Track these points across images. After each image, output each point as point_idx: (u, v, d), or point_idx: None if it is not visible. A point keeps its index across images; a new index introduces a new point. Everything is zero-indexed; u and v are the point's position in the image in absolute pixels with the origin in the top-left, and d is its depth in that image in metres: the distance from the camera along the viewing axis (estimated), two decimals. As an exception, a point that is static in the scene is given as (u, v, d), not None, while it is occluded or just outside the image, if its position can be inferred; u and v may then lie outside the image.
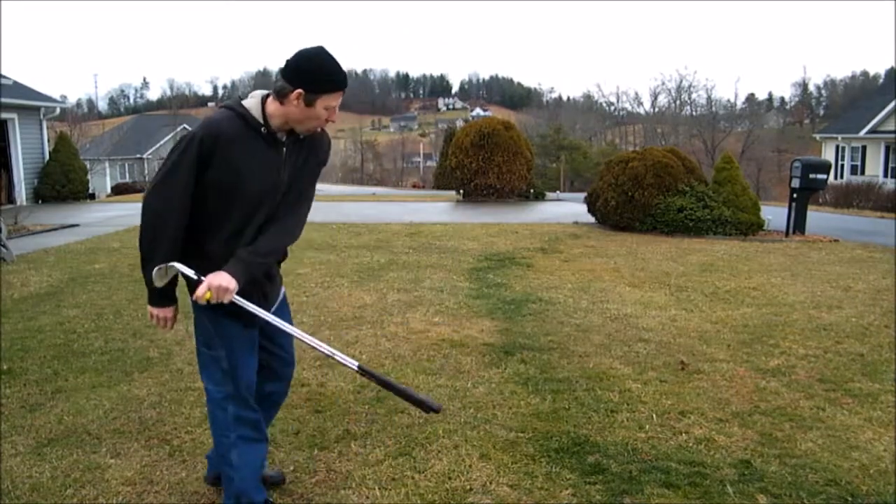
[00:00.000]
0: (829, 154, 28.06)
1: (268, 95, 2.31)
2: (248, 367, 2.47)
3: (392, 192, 32.48)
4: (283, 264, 2.66)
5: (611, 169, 12.03)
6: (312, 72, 2.22)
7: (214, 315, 2.35)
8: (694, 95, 64.18)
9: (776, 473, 2.96)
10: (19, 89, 17.84)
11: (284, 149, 2.34)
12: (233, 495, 2.45)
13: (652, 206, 11.12)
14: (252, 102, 2.30)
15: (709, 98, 62.08)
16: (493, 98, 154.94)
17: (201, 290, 2.23)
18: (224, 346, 2.40)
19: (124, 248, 9.29)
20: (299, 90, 2.21)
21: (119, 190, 32.85)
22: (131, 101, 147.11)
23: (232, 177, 2.26)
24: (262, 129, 2.29)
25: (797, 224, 11.16)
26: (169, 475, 2.93)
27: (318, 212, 15.36)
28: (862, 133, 26.55)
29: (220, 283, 2.24)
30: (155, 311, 2.41)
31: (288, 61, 2.25)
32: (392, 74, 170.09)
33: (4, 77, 17.08)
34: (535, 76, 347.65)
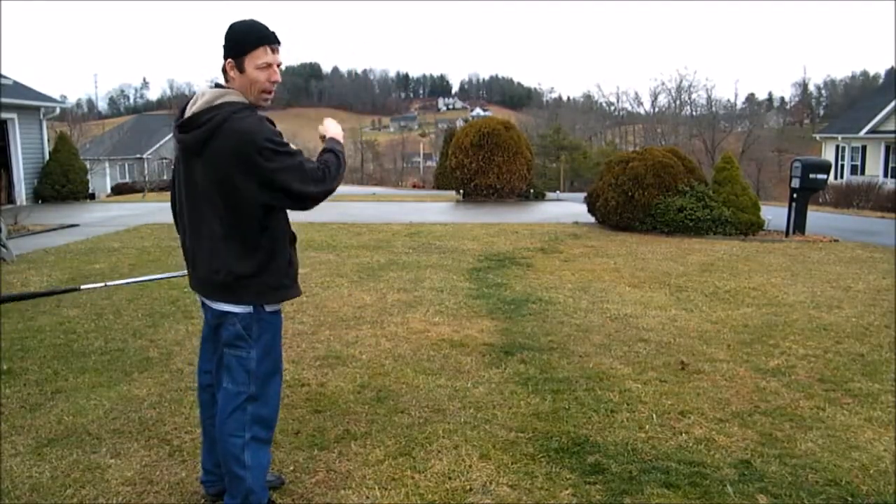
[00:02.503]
0: (829, 154, 28.07)
1: (219, 85, 2.37)
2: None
3: (392, 192, 32.48)
4: None
5: (611, 169, 12.03)
6: (230, 39, 2.31)
7: (261, 312, 2.40)
8: (694, 95, 64.28)
9: (776, 473, 2.96)
10: (19, 89, 17.84)
11: None
12: (242, 494, 2.45)
13: (652, 206, 11.12)
14: (236, 94, 2.32)
15: (709, 98, 62.16)
16: (493, 98, 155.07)
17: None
18: (259, 344, 2.42)
19: (124, 247, 9.29)
20: (229, 61, 2.31)
21: (119, 190, 32.86)
22: (131, 101, 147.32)
23: None
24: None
25: (797, 224, 11.16)
26: (169, 475, 2.93)
27: (318, 211, 15.38)
28: (862, 133, 26.56)
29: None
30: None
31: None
32: (392, 74, 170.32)
33: (4, 77, 17.08)
34: (535, 76, 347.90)
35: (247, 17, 2.37)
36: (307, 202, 2.31)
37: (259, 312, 2.41)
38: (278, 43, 2.34)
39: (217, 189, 2.30)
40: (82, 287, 2.82)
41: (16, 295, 2.92)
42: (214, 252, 2.37)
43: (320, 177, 2.31)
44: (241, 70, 2.31)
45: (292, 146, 2.30)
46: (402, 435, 3.31)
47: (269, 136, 2.23)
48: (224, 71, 2.35)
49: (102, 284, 2.84)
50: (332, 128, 2.56)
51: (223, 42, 2.33)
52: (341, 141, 2.54)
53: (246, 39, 2.30)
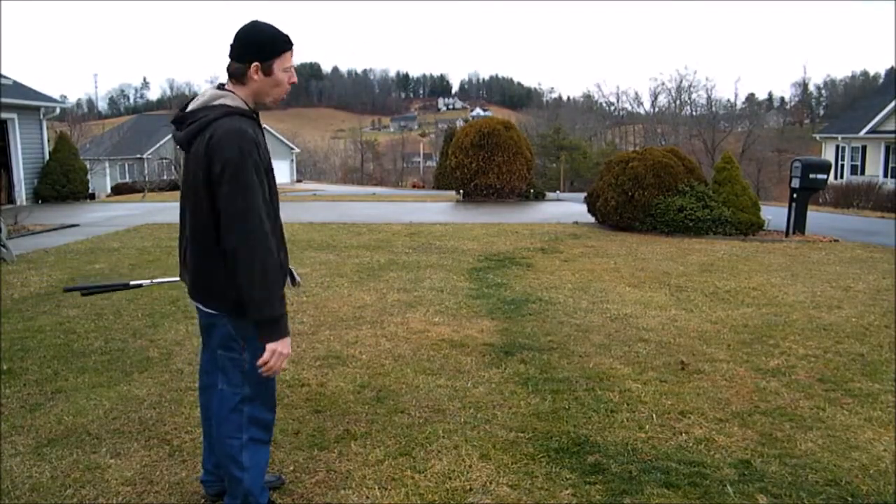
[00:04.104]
0: (829, 154, 28.07)
1: (222, 86, 2.35)
2: None
3: (392, 192, 32.48)
4: None
5: (611, 169, 12.03)
6: (259, 42, 2.29)
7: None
8: (694, 95, 64.48)
9: (776, 473, 2.96)
10: (19, 89, 17.84)
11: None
12: (241, 495, 2.45)
13: (652, 206, 11.12)
14: (231, 98, 2.31)
15: (709, 98, 62.32)
16: (493, 98, 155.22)
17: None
18: (251, 347, 2.40)
19: (124, 248, 9.29)
20: (255, 63, 2.28)
21: (119, 190, 32.89)
22: (131, 101, 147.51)
23: (271, 177, 2.34)
24: (256, 116, 2.38)
25: (797, 224, 11.16)
26: (169, 475, 2.93)
27: (318, 212, 15.32)
28: (862, 133, 26.55)
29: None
30: (285, 346, 2.27)
31: (232, 44, 2.31)
32: (392, 74, 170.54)
33: (4, 77, 17.08)
34: (535, 76, 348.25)
35: (251, 21, 2.35)
36: (228, 237, 2.18)
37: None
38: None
39: (196, 188, 2.29)
40: (131, 283, 2.91)
41: (90, 287, 3.01)
42: (195, 252, 2.37)
43: (256, 231, 2.17)
44: (267, 73, 2.29)
45: (253, 177, 2.18)
46: (402, 435, 3.31)
47: (243, 149, 2.17)
48: (233, 72, 2.31)
49: (149, 282, 2.90)
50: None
51: (244, 44, 2.29)
52: (279, 343, 2.26)
53: (277, 41, 2.29)
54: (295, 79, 2.39)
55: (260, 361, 2.26)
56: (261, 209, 2.20)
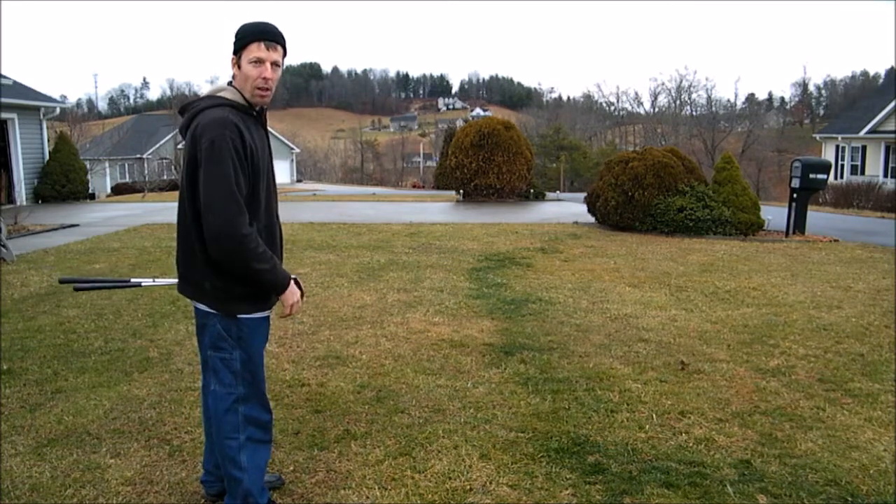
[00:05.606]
0: (829, 154, 28.06)
1: (230, 81, 2.43)
2: (263, 365, 2.55)
3: (392, 192, 32.48)
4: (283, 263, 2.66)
5: (611, 169, 12.03)
6: (234, 36, 2.36)
7: (236, 316, 2.38)
8: (694, 95, 64.59)
9: (776, 473, 2.96)
10: (19, 89, 17.84)
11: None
12: (240, 496, 2.45)
13: (652, 206, 11.12)
14: (230, 91, 2.36)
15: (709, 98, 62.46)
16: (493, 98, 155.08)
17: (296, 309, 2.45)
18: (240, 346, 2.41)
19: (124, 247, 9.29)
20: (232, 57, 2.36)
21: (119, 190, 32.90)
22: (131, 101, 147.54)
23: (256, 162, 2.34)
24: (254, 112, 2.39)
25: (797, 224, 11.16)
26: (169, 475, 2.92)
27: (319, 212, 15.31)
28: (862, 133, 26.55)
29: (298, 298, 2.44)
30: (293, 295, 2.42)
31: None
32: (392, 74, 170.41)
33: (4, 77, 17.07)
34: (535, 76, 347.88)
35: (259, 19, 2.41)
36: (210, 228, 2.19)
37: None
38: (275, 42, 2.33)
39: (183, 177, 2.34)
40: (131, 281, 2.89)
41: (87, 281, 2.98)
42: (184, 247, 2.39)
43: (238, 222, 2.19)
44: (238, 66, 2.35)
45: (227, 167, 2.19)
46: (402, 435, 3.31)
47: (223, 137, 2.20)
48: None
49: (151, 280, 2.88)
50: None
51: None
52: (286, 292, 2.40)
53: (242, 35, 2.34)
54: (268, 74, 2.31)
55: (281, 316, 2.45)
56: (230, 199, 2.19)
